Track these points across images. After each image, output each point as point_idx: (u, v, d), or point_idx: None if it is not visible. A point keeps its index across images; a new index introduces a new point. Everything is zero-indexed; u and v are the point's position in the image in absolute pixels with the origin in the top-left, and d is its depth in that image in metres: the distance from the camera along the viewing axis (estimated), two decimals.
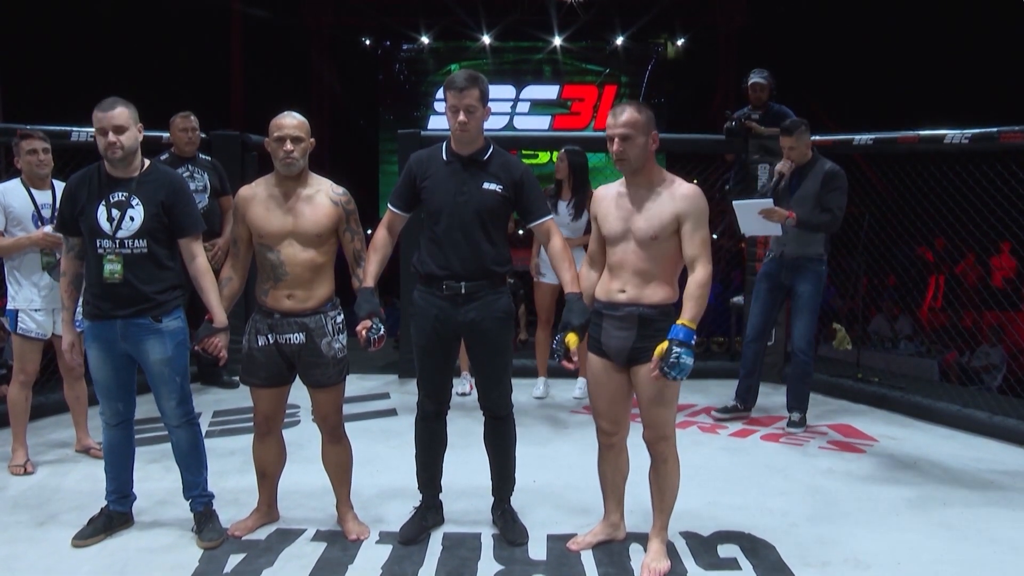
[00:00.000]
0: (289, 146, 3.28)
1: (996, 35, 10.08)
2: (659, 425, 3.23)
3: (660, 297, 3.15)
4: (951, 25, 10.82)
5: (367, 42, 16.00)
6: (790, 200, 4.91)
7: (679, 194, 3.11)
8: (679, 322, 3.04)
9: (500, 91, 15.68)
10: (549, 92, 16.17)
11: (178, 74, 11.34)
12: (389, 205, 3.47)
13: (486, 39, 15.52)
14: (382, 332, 3.28)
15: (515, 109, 16.04)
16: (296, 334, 3.36)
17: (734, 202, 5.01)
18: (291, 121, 3.32)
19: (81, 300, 3.49)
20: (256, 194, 3.39)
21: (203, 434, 3.67)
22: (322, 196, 3.39)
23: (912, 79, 11.10)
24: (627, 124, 3.08)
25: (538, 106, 16.11)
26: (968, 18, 10.53)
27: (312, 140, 3.39)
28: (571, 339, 3.22)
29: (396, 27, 15.55)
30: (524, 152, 12.69)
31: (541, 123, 15.94)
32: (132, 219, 3.32)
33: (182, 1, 11.74)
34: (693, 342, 3.03)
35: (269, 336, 3.39)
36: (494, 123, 15.44)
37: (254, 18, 13.79)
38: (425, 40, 15.84)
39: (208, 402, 5.64)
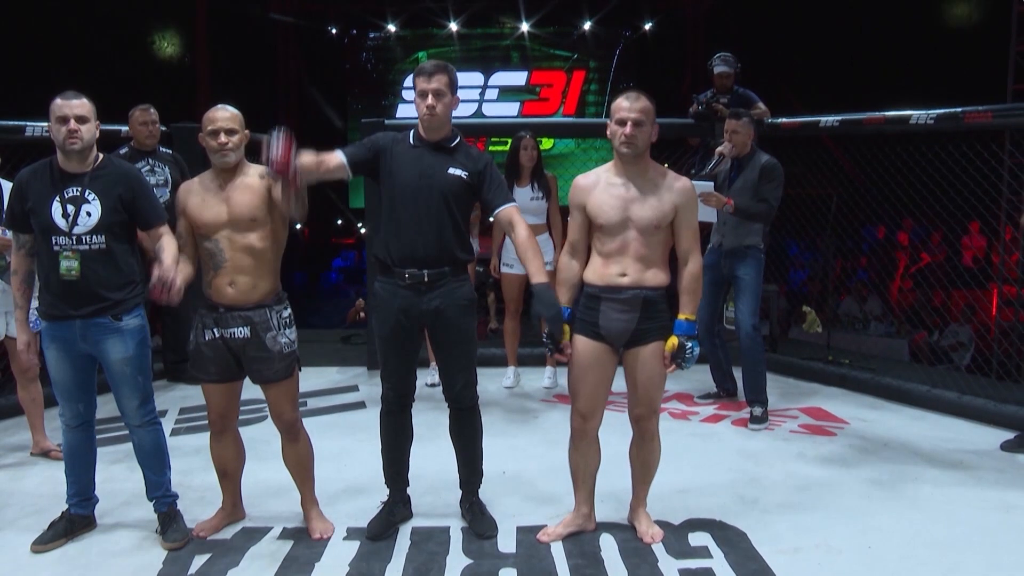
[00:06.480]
0: (223, 138, 3.25)
1: (961, 17, 10.14)
2: (652, 401, 3.34)
3: (659, 280, 3.25)
4: (918, 7, 10.88)
5: (333, 31, 15.83)
6: (728, 191, 4.97)
7: (677, 187, 3.22)
8: (681, 316, 3.26)
9: (468, 78, 15.57)
10: (517, 79, 16.10)
11: (142, 66, 11.15)
12: (340, 151, 3.33)
13: (453, 26, 15.41)
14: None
15: (483, 96, 15.95)
16: (241, 328, 3.29)
17: None
18: (224, 114, 3.29)
19: (37, 299, 3.39)
20: (193, 188, 3.36)
21: (166, 433, 3.59)
22: (252, 177, 3.32)
23: (879, 60, 11.14)
24: (642, 111, 3.16)
25: (507, 93, 16.03)
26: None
27: (247, 132, 3.34)
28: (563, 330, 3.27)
29: (362, 15, 15.42)
30: (494, 139, 12.61)
31: (510, 110, 15.85)
32: (89, 215, 3.24)
33: None
34: (695, 331, 3.27)
35: (215, 330, 3.32)
36: (463, 111, 15.37)
37: (219, 8, 13.59)
38: (392, 28, 15.71)
39: (175, 399, 5.56)
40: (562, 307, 3.27)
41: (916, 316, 7.59)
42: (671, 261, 3.31)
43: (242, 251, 3.26)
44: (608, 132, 3.22)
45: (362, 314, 8.96)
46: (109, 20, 10.90)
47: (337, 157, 3.31)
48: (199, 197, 3.31)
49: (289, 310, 3.41)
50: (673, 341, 3.22)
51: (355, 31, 16.02)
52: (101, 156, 3.35)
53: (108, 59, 10.52)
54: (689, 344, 3.21)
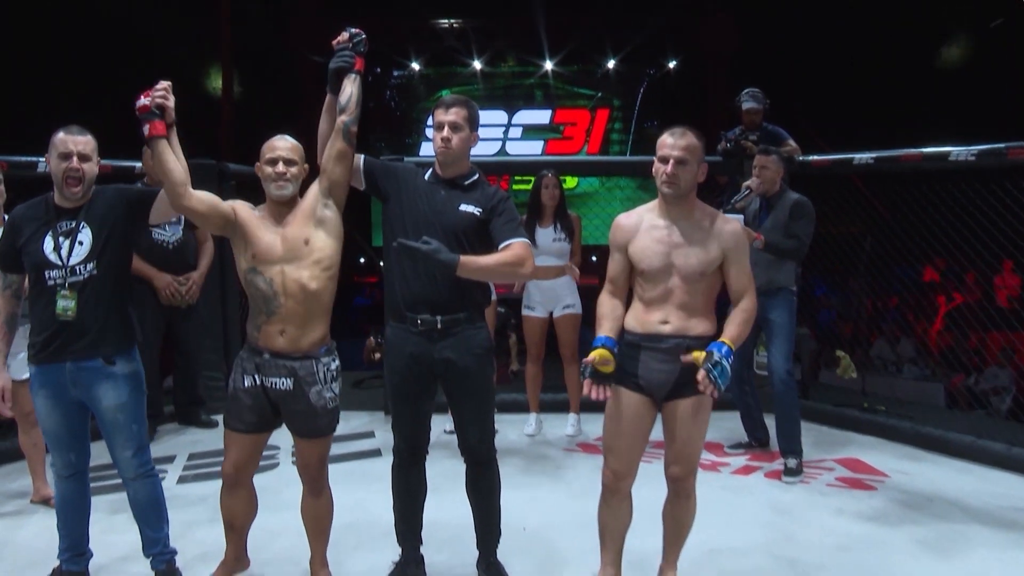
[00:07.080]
0: (281, 167, 3.08)
1: (995, 52, 9.99)
2: (691, 460, 3.11)
3: (703, 329, 3.02)
4: (939, 46, 10.77)
5: None
6: (759, 231, 4.80)
7: (725, 231, 3.03)
8: (721, 339, 2.92)
9: (492, 116, 15.55)
10: (541, 117, 16.06)
11: None
12: (362, 156, 3.28)
13: (477, 64, 15.42)
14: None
15: (507, 134, 15.91)
16: (283, 379, 3.08)
17: None
18: (284, 144, 3.13)
19: (27, 344, 3.23)
20: (250, 208, 3.18)
21: (173, 480, 3.40)
22: (307, 203, 3.16)
23: (901, 100, 11.03)
24: (686, 148, 2.96)
25: (530, 131, 15.98)
26: (961, 36, 10.46)
27: (306, 166, 3.18)
28: (603, 361, 2.94)
29: (386, 53, 15.44)
30: (517, 178, 12.52)
31: (534, 148, 15.80)
32: (81, 243, 3.11)
33: (170, 28, 11.60)
34: (731, 360, 2.89)
35: (256, 377, 3.11)
36: (487, 149, 15.34)
37: (243, 44, 13.65)
38: (416, 66, 15.76)
39: (185, 443, 5.38)
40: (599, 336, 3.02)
41: (954, 358, 7.33)
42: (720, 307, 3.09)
43: (296, 294, 3.05)
44: (652, 170, 3.02)
45: (377, 355, 8.76)
46: (129, 52, 10.92)
47: (358, 159, 3.24)
48: (257, 219, 3.13)
49: (337, 362, 3.19)
50: (699, 353, 2.88)
51: (379, 69, 16.05)
52: (93, 187, 3.22)
53: (126, 92, 10.51)
54: (718, 354, 2.85)
